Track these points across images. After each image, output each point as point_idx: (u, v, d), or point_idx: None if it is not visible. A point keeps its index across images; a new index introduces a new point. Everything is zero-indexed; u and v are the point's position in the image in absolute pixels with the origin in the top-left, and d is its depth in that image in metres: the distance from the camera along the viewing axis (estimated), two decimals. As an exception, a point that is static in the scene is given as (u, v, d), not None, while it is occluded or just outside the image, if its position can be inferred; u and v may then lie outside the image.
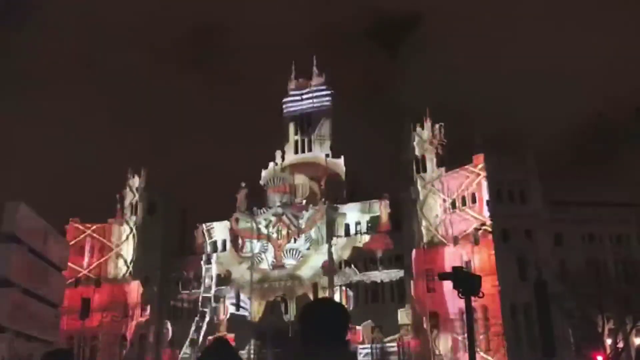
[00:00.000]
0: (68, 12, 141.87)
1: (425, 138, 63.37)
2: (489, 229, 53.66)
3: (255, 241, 67.89)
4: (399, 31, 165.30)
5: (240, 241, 68.96)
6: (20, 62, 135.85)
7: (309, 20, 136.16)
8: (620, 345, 46.46)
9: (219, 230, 71.06)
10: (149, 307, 66.31)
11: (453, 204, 58.12)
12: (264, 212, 69.03)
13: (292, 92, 77.38)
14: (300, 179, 71.20)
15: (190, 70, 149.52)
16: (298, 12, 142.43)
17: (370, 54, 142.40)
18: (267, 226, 68.20)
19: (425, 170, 62.23)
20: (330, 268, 64.27)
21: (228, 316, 65.64)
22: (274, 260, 66.51)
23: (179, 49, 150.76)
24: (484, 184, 55.69)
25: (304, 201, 68.57)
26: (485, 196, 55.49)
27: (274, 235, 67.66)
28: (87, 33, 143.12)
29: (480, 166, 56.58)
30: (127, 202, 70.58)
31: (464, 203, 57.36)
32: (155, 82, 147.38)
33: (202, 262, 68.52)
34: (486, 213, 54.62)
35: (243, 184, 72.05)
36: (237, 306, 64.98)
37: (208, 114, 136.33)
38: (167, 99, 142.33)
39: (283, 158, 74.30)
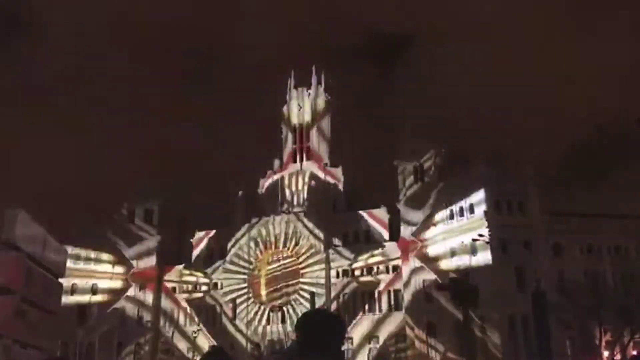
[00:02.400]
0: (68, 26, 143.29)
1: (423, 147, 63.48)
2: (487, 240, 53.63)
3: (252, 250, 67.86)
4: (392, 49, 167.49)
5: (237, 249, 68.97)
6: (22, 74, 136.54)
7: (305, 38, 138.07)
8: (618, 357, 46.37)
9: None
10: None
11: (451, 215, 58.16)
12: (261, 221, 69.02)
13: (291, 101, 77.61)
14: (298, 188, 71.28)
15: (188, 80, 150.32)
16: (293, 31, 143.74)
17: (365, 71, 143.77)
18: (264, 235, 68.24)
19: (423, 180, 62.31)
20: (327, 277, 64.21)
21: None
22: (272, 269, 66.44)
23: (179, 61, 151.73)
24: (482, 194, 55.72)
25: (302, 210, 68.60)
26: (483, 206, 55.51)
27: (272, 244, 67.62)
28: (88, 46, 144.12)
29: (478, 176, 56.62)
30: (124, 210, 70.69)
31: (461, 214, 57.40)
32: (153, 93, 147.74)
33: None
34: (484, 223, 54.58)
35: (240, 193, 72.12)
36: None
37: (206, 122, 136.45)
38: (165, 108, 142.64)
39: (281, 167, 74.37)
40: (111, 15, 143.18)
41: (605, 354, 46.57)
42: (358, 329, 60.31)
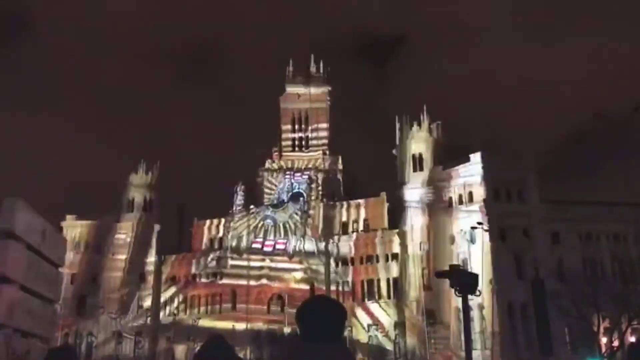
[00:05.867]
0: (69, 27, 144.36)
1: (422, 135, 63.38)
2: (486, 228, 53.69)
3: (251, 239, 67.84)
4: (388, 47, 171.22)
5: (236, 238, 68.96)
6: (23, 71, 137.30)
7: (302, 41, 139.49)
8: (616, 344, 46.57)
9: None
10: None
11: (450, 203, 58.21)
12: (261, 209, 69.01)
13: (289, 90, 77.38)
14: (297, 177, 71.22)
15: (189, 75, 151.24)
16: (291, 34, 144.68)
17: (361, 70, 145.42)
18: (264, 223, 68.19)
19: (422, 169, 62.24)
20: (327, 265, 64.27)
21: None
22: (272, 258, 66.41)
23: (179, 56, 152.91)
24: (482, 182, 55.72)
25: (301, 198, 68.59)
26: (483, 194, 55.54)
27: (272, 233, 67.61)
28: (88, 46, 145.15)
29: (477, 164, 56.60)
30: (124, 199, 70.64)
31: (461, 201, 57.43)
32: (155, 85, 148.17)
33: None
34: (483, 211, 54.62)
35: (240, 182, 72.09)
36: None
37: (206, 114, 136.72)
38: (165, 100, 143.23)
39: (280, 155, 74.27)
40: (113, 13, 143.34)
41: (604, 340, 46.75)
42: (358, 317, 60.51)
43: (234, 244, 65.98)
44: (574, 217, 55.43)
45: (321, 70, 78.02)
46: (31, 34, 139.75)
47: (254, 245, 65.20)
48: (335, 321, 3.72)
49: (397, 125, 65.35)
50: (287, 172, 71.22)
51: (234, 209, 69.54)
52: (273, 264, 64.55)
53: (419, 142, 63.15)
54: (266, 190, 71.52)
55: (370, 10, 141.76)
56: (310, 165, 71.39)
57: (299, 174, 70.73)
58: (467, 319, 15.44)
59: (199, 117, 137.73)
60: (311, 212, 66.86)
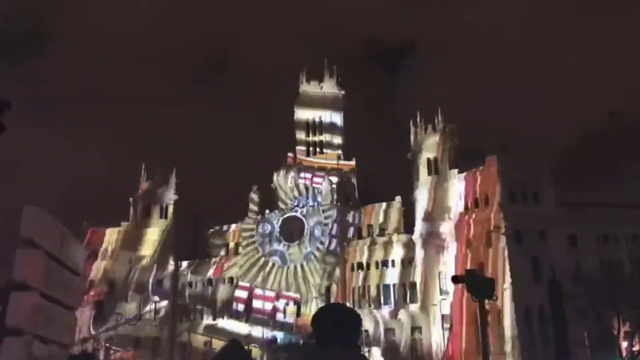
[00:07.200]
0: (86, 38, 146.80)
1: (437, 138, 63.19)
2: (503, 231, 53.39)
3: (266, 243, 67.98)
4: (397, 56, 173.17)
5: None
6: (42, 84, 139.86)
7: (315, 48, 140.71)
8: (637, 348, 45.98)
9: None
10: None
11: (466, 206, 57.94)
12: (275, 215, 69.14)
13: (303, 95, 77.55)
14: (312, 181, 71.21)
15: (204, 82, 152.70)
16: (303, 42, 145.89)
17: (373, 77, 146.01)
18: (279, 228, 68.29)
19: (437, 172, 62.04)
20: (342, 271, 64.22)
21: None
22: (286, 263, 66.47)
23: (193, 64, 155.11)
24: (498, 185, 55.44)
25: (316, 203, 68.61)
26: (499, 197, 55.24)
27: (286, 238, 67.69)
28: (104, 58, 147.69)
29: (493, 167, 56.32)
30: (139, 206, 71.16)
31: (476, 205, 57.17)
32: (170, 93, 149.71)
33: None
34: (499, 214, 54.34)
35: (255, 187, 72.26)
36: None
37: (220, 119, 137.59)
38: (180, 107, 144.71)
39: (295, 160, 74.36)
40: (128, 26, 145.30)
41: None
42: (374, 323, 60.37)
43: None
44: (591, 218, 54.92)
45: (335, 75, 78.16)
46: (48, 48, 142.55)
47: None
48: (351, 326, 3.82)
49: (412, 129, 65.25)
50: (302, 174, 70.94)
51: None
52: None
53: (433, 146, 62.97)
54: (280, 196, 71.51)
55: (381, 18, 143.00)
56: (325, 170, 71.32)
57: (319, 178, 70.10)
58: (484, 324, 15.44)
59: (213, 123, 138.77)
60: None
